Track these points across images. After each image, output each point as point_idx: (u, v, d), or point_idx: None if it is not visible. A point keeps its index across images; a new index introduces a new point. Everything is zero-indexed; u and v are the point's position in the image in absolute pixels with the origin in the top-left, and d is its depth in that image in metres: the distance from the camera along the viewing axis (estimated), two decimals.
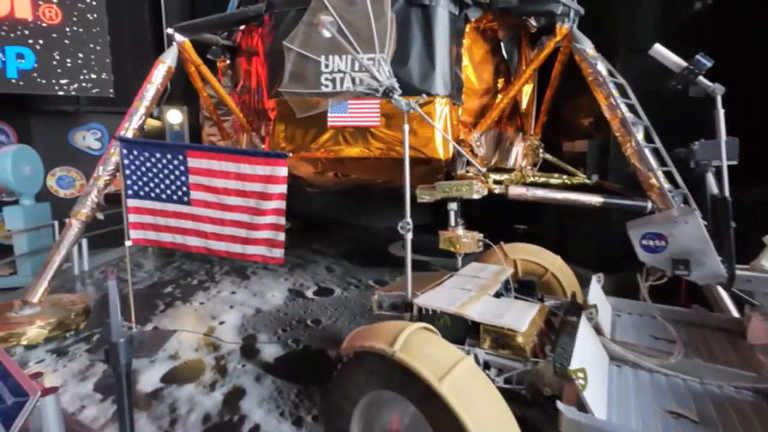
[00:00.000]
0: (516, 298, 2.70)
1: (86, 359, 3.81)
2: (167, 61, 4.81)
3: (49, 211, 6.61)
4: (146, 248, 9.25)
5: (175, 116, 10.74)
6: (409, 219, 2.35)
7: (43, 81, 6.71)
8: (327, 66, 4.30)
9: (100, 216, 4.55)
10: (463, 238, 2.95)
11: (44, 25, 6.52)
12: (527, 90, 5.48)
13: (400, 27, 4.22)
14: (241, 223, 3.78)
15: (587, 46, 4.13)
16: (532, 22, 5.35)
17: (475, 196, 2.98)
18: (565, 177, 5.55)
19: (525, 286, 2.80)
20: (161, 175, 3.82)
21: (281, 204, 3.65)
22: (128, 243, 4.01)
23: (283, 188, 3.61)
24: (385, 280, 6.48)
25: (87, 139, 8.73)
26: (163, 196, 3.87)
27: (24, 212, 5.93)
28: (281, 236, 3.73)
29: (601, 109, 4.14)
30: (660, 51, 2.87)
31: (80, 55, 6.81)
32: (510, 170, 5.45)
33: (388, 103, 4.40)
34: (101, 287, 6.23)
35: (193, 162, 3.72)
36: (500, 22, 4.75)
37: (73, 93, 6.98)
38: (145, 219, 3.97)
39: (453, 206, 2.98)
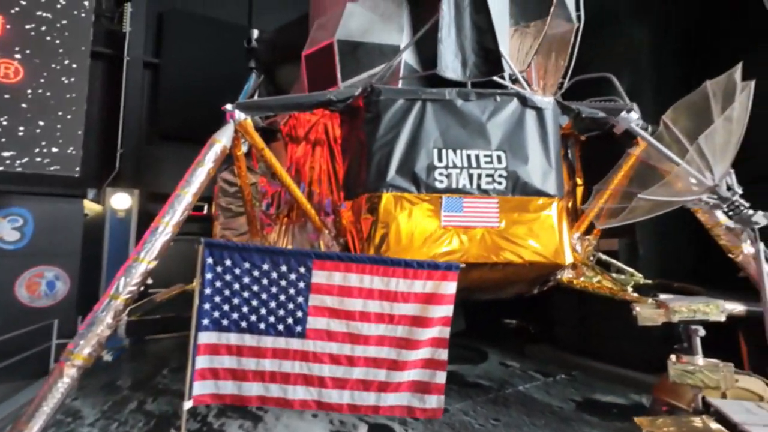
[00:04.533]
0: None
1: None
2: (223, 140, 3.81)
3: None
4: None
5: (121, 201, 8.81)
6: None
7: None
8: (440, 161, 3.82)
9: (108, 357, 2.94)
10: (713, 370, 2.41)
11: None
12: (580, 190, 5.63)
13: (517, 127, 4.05)
14: (381, 360, 2.70)
15: None
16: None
17: (722, 318, 2.54)
18: (623, 277, 5.54)
19: None
20: (264, 296, 2.63)
21: (444, 332, 2.72)
22: (187, 405, 2.53)
23: (448, 310, 2.73)
24: None
25: (2, 227, 6.41)
26: (261, 326, 2.63)
27: None
28: (440, 377, 2.71)
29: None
30: None
31: (40, 123, 5.20)
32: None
33: (507, 203, 4.01)
34: None
35: (319, 276, 2.66)
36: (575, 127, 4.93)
37: (19, 169, 5.16)
38: (222, 362, 2.61)
39: (701, 331, 2.46)
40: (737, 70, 2.39)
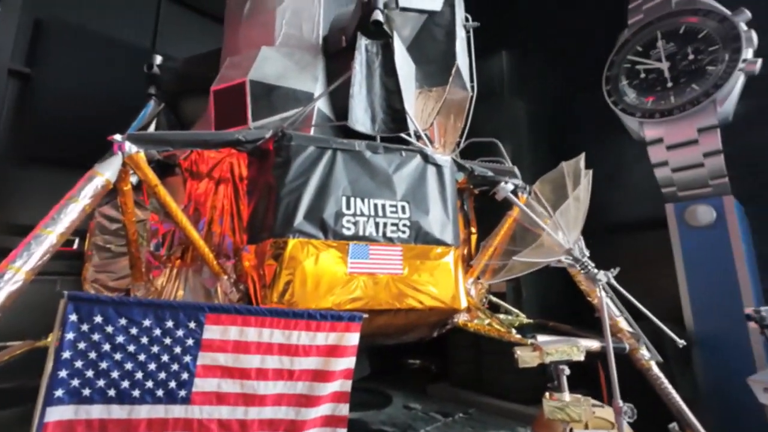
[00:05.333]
0: None
1: None
2: (106, 174, 3.37)
3: None
4: None
5: None
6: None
7: None
8: (349, 208, 3.90)
9: None
10: (576, 405, 2.76)
11: None
12: (474, 239, 6.21)
13: (420, 180, 4.35)
14: (278, 422, 2.51)
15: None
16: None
17: (582, 358, 2.95)
18: (509, 318, 6.14)
19: None
20: (142, 357, 2.29)
21: (346, 385, 2.67)
22: None
23: (351, 362, 2.70)
24: None
25: None
26: (135, 393, 2.27)
27: None
28: None
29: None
30: None
31: None
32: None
33: (410, 251, 4.19)
34: None
35: (212, 331, 2.42)
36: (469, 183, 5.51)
37: None
38: None
39: (567, 370, 2.82)
40: (581, 159, 3.03)
